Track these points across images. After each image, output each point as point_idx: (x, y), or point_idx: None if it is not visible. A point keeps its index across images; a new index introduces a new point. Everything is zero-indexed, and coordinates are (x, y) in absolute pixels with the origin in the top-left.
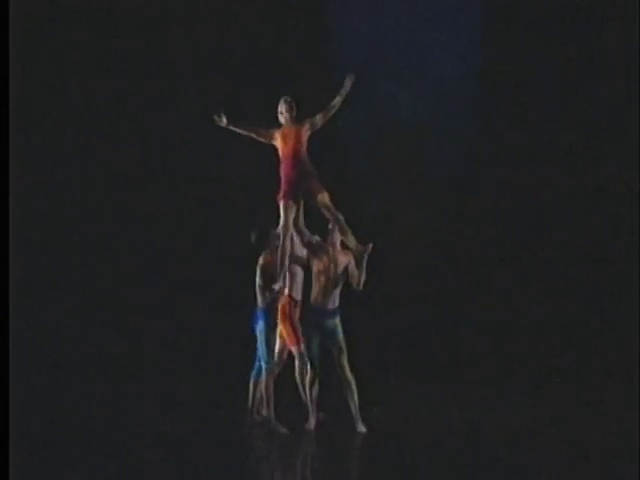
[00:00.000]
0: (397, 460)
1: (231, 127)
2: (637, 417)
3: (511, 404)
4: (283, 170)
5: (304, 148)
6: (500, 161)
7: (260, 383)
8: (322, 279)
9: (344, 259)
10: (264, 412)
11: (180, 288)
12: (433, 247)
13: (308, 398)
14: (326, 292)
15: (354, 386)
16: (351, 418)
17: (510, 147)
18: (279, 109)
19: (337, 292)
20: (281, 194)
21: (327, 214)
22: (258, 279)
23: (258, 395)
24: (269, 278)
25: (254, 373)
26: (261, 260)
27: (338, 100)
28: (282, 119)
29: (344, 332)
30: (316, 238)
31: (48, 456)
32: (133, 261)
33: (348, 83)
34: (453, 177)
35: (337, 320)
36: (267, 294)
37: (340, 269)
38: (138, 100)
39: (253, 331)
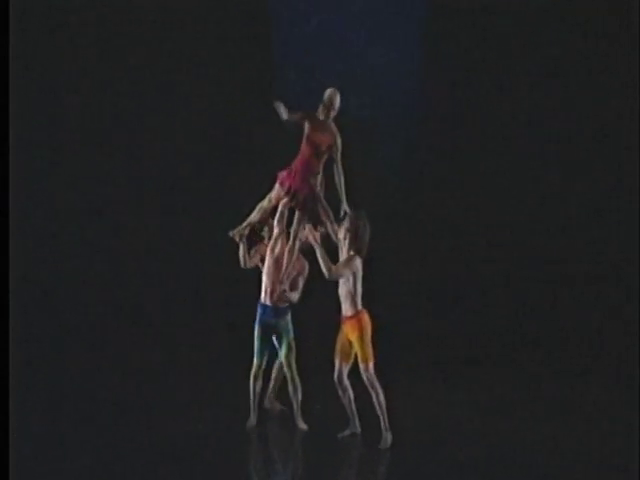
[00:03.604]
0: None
1: (288, 119)
2: (637, 417)
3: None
4: (299, 163)
5: (319, 170)
6: (441, 159)
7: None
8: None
9: (297, 263)
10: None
11: (181, 287)
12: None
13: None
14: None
15: (299, 385)
16: (292, 414)
17: (452, 145)
18: (329, 100)
19: None
20: (281, 178)
21: (310, 239)
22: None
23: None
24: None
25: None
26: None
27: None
28: (323, 111)
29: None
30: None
31: (48, 456)
32: (134, 259)
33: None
34: (393, 175)
35: (288, 318)
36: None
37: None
38: (137, 101)
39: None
